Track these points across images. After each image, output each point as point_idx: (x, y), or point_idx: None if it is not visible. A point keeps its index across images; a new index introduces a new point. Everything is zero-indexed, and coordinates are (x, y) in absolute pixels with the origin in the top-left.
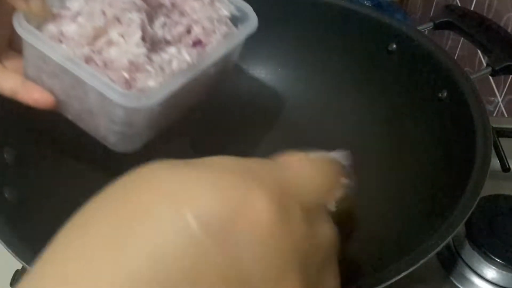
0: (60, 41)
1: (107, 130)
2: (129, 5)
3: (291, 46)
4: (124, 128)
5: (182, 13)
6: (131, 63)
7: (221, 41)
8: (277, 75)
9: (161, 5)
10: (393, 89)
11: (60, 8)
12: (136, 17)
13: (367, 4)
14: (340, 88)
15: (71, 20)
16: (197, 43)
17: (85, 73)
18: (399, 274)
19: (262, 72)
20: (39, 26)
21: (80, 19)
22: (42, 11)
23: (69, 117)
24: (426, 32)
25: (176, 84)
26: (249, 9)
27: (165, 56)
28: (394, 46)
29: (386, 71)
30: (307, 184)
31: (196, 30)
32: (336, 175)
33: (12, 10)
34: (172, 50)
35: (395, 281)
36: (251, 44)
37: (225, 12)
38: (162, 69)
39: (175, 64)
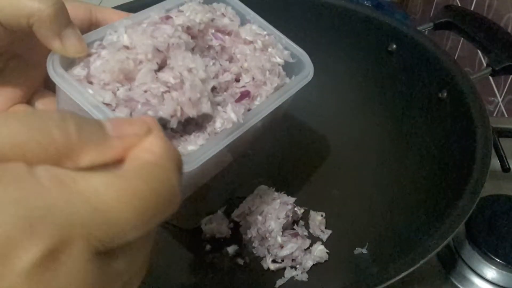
0: (91, 82)
1: None
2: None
3: None
4: None
5: (231, 58)
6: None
7: (272, 94)
8: None
9: (209, 47)
10: (393, 89)
11: (100, 48)
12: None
13: (367, 4)
14: (340, 88)
15: (98, 56)
16: (245, 95)
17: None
18: (399, 274)
19: None
20: (74, 63)
21: (104, 53)
22: (79, 52)
23: None
24: (426, 32)
25: (218, 147)
26: (305, 57)
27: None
28: (394, 46)
29: (386, 71)
30: (110, 214)
31: (246, 79)
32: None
33: (47, 50)
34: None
35: (395, 281)
36: None
37: (278, 60)
38: (203, 127)
39: (218, 124)
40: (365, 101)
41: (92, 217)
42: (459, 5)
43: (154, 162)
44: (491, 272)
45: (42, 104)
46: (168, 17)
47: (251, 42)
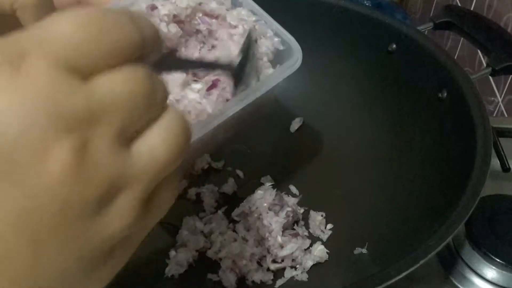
0: None
1: None
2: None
3: None
4: None
5: (214, 43)
6: None
7: (257, 83)
8: None
9: (197, 32)
10: (393, 89)
11: None
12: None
13: (367, 4)
14: (339, 88)
15: None
16: (215, 84)
17: None
18: (399, 274)
19: None
20: None
21: None
22: None
23: None
24: (426, 32)
25: (209, 127)
26: (294, 44)
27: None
28: (394, 46)
29: (386, 71)
30: (65, 35)
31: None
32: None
33: None
34: (191, 95)
35: (395, 281)
36: None
37: (264, 49)
38: None
39: (192, 115)
40: (365, 101)
41: (48, 36)
42: (459, 5)
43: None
44: (491, 272)
45: None
46: (153, 7)
47: (235, 27)
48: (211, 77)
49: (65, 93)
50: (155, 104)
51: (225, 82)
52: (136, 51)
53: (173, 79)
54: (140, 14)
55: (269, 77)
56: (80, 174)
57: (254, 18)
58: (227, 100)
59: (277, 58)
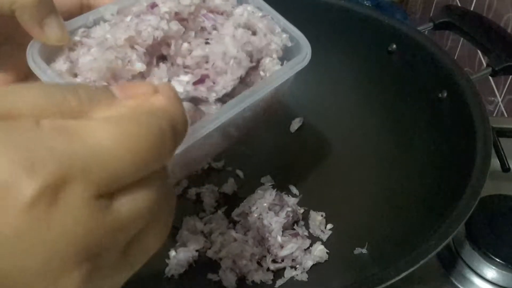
0: (76, 75)
1: None
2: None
3: None
4: None
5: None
6: None
7: (263, 79)
8: None
9: (202, 29)
10: (393, 89)
11: (84, 36)
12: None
13: (367, 4)
14: (340, 88)
15: (88, 50)
16: (202, 80)
17: None
18: (399, 274)
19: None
20: (57, 54)
21: (93, 50)
22: (60, 40)
23: None
24: (426, 32)
25: (216, 123)
26: (302, 40)
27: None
28: (394, 46)
29: (386, 71)
30: (107, 154)
31: (210, 63)
32: (166, 134)
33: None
34: (177, 87)
35: (395, 281)
36: None
37: (273, 46)
38: None
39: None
40: (365, 101)
41: (90, 158)
42: (459, 5)
43: (149, 110)
44: (491, 272)
45: None
46: (154, 5)
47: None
48: (202, 70)
49: (94, 225)
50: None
51: (215, 79)
52: (166, 161)
53: (162, 67)
54: (176, 108)
55: (275, 74)
56: None
57: (260, 14)
58: (212, 98)
59: (286, 55)
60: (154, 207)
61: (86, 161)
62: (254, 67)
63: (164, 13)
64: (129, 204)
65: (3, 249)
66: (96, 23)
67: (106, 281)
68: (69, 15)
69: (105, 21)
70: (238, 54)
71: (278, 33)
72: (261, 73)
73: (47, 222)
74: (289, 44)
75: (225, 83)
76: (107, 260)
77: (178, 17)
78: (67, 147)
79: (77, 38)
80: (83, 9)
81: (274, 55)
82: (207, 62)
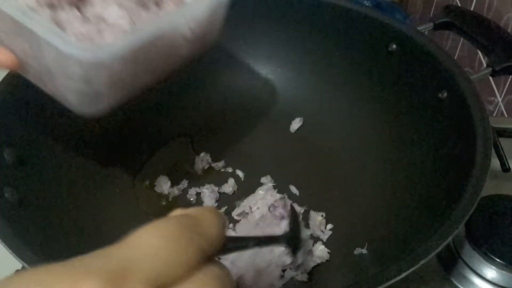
0: None
1: (66, 88)
2: None
3: (291, 46)
4: (82, 86)
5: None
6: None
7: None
8: (277, 75)
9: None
10: (393, 89)
11: None
12: None
13: (367, 4)
14: (340, 88)
15: None
16: None
17: (37, 24)
18: (399, 274)
19: (262, 72)
20: None
21: None
22: None
23: (31, 79)
24: (426, 32)
25: (135, 39)
26: None
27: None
28: (394, 46)
29: (386, 71)
30: (154, 259)
31: None
32: (196, 236)
33: None
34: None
35: (395, 281)
36: (252, 44)
37: None
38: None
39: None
40: (365, 101)
41: None
42: (459, 5)
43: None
44: (491, 272)
45: None
46: None
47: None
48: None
49: None
50: None
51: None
52: (204, 255)
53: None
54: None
55: None
56: None
57: None
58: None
59: None
60: None
61: (142, 264)
62: None
63: None
64: None
65: None
66: None
67: None
68: None
69: None
70: None
71: None
72: None
73: None
74: None
75: None
76: None
77: None
78: (122, 256)
79: None
80: None
81: None
82: None
